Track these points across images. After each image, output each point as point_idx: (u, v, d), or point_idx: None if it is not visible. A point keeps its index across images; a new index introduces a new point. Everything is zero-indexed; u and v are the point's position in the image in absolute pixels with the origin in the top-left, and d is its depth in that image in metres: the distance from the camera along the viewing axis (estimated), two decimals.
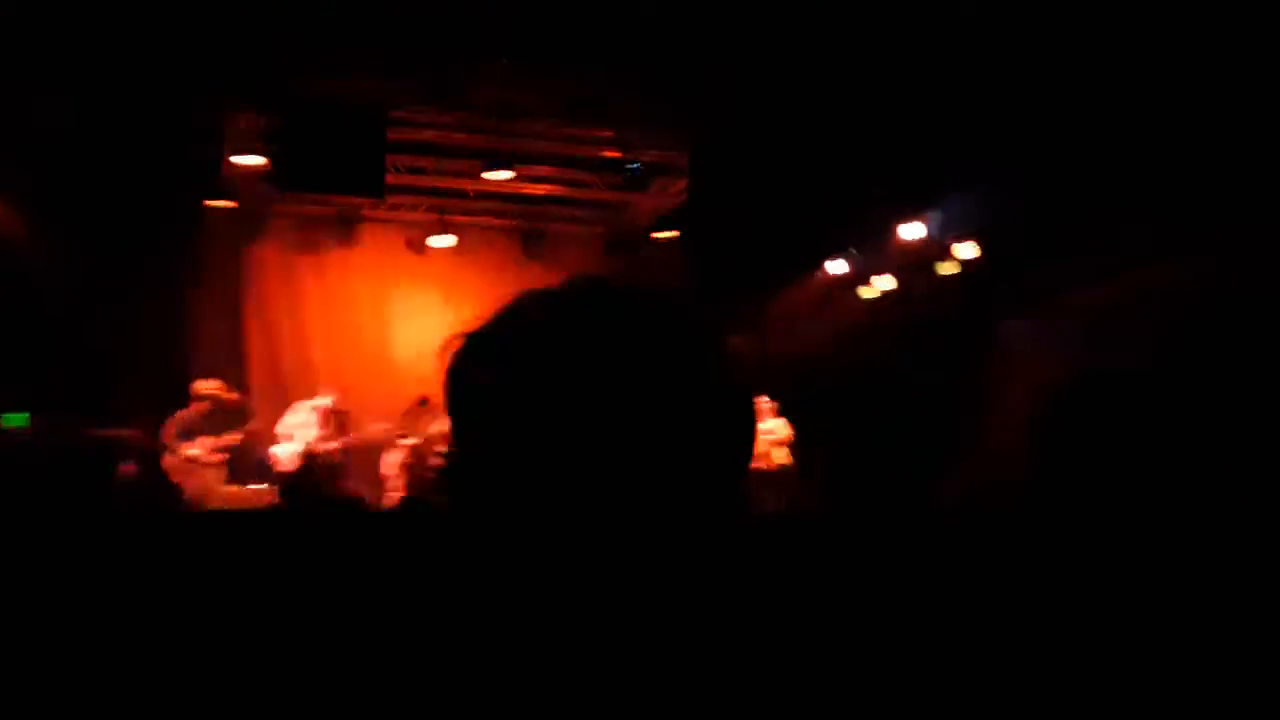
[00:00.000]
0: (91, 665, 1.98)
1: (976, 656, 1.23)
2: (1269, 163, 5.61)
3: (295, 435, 8.57)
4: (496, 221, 10.65)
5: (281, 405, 8.90)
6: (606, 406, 0.81)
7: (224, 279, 9.51)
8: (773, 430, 8.40)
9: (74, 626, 2.09)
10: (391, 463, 9.01)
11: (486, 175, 9.05)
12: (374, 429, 9.03)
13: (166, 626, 2.11)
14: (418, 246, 10.45)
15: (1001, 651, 1.27)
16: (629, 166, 8.96)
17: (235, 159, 8.38)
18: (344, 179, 8.32)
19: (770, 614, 0.91)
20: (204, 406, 8.04)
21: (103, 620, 2.13)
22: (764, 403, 8.42)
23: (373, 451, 9.15)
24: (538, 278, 9.55)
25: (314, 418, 8.66)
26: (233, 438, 8.09)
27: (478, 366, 0.85)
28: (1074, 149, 6.60)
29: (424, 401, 9.11)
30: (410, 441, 8.95)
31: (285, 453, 8.53)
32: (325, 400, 8.77)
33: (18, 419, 7.58)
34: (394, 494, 8.70)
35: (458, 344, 0.87)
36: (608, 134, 8.55)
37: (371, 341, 10.30)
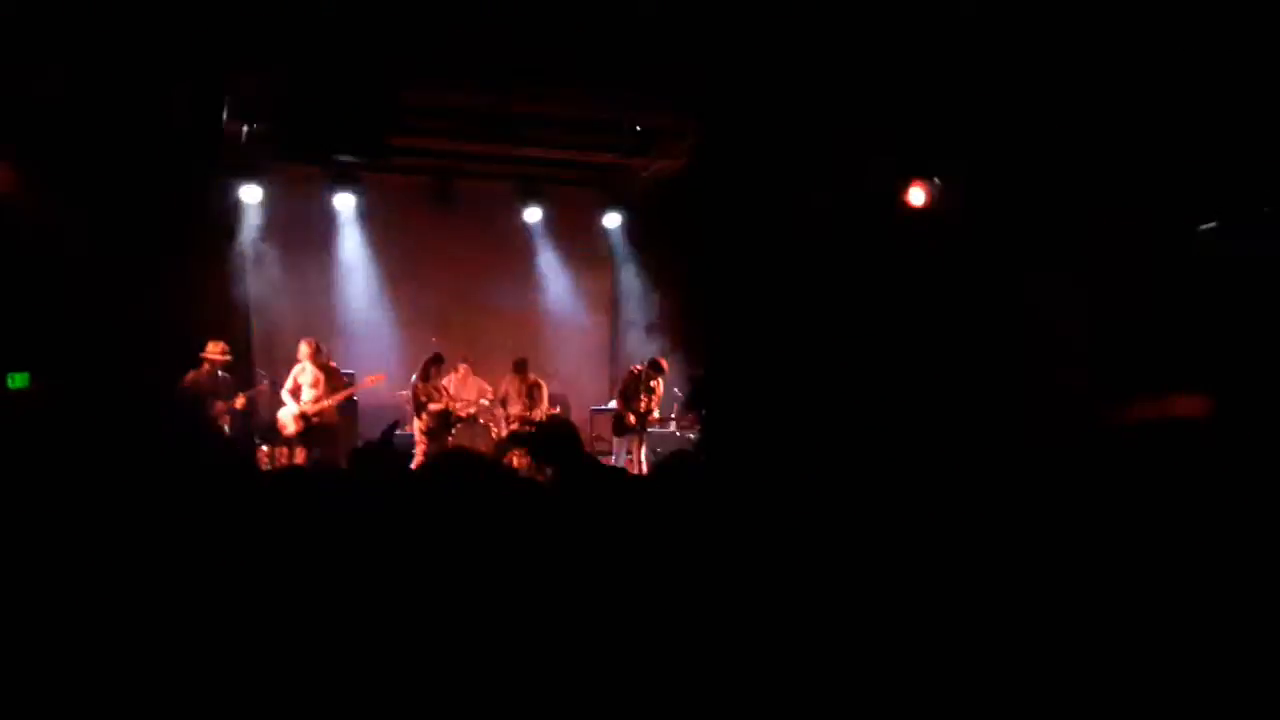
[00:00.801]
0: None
1: None
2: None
3: (289, 399, 8.61)
4: (498, 185, 10.62)
5: (286, 367, 8.92)
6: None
7: (225, 242, 9.45)
8: None
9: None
10: (416, 426, 9.12)
11: (487, 137, 9.03)
12: (369, 381, 9.05)
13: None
14: (418, 205, 10.43)
15: None
16: (633, 129, 8.96)
17: (236, 122, 8.32)
18: (347, 140, 8.29)
19: None
20: (212, 369, 8.09)
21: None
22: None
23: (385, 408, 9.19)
24: (539, 238, 9.52)
25: (306, 378, 8.69)
26: (240, 399, 8.16)
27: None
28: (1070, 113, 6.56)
29: (438, 359, 9.17)
30: (437, 407, 9.03)
31: (286, 416, 8.59)
32: (304, 360, 8.75)
33: (20, 379, 7.63)
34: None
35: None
36: (613, 98, 8.51)
37: (373, 301, 10.33)
